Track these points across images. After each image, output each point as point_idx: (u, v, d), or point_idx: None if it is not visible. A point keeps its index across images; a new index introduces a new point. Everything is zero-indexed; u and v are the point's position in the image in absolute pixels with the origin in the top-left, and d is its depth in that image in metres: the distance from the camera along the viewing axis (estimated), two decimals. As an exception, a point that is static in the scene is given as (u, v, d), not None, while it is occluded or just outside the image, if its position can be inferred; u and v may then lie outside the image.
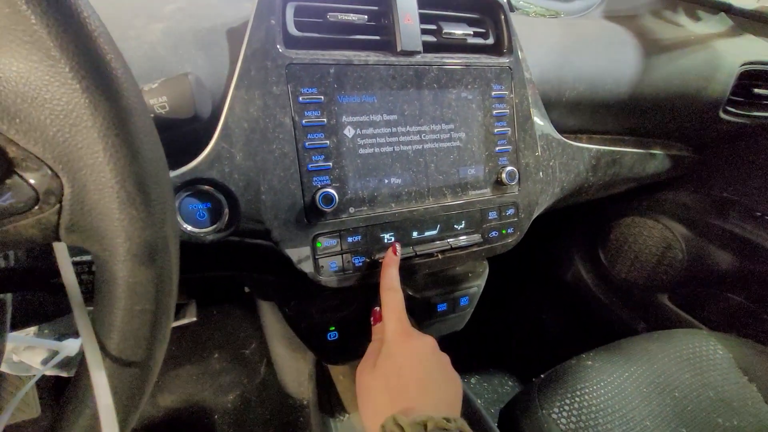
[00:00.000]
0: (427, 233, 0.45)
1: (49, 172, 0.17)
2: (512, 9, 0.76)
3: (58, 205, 0.17)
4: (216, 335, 0.89)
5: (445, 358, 0.37)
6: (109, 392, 0.18)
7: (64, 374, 0.43)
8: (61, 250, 0.20)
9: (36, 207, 0.17)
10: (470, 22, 0.48)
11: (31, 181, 0.17)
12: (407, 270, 0.44)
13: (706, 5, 0.77)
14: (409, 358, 0.35)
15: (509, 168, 0.48)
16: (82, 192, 0.17)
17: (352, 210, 0.41)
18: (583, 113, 0.61)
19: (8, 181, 0.17)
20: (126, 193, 0.17)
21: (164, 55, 0.36)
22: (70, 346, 0.31)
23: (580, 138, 0.63)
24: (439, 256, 0.45)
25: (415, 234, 0.44)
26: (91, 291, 0.22)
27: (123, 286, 0.18)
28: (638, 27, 0.71)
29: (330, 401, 0.62)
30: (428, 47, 0.44)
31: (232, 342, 0.88)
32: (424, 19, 0.44)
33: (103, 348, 0.19)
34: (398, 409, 0.31)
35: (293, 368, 0.74)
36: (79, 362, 0.21)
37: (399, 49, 0.42)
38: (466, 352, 1.03)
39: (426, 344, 0.36)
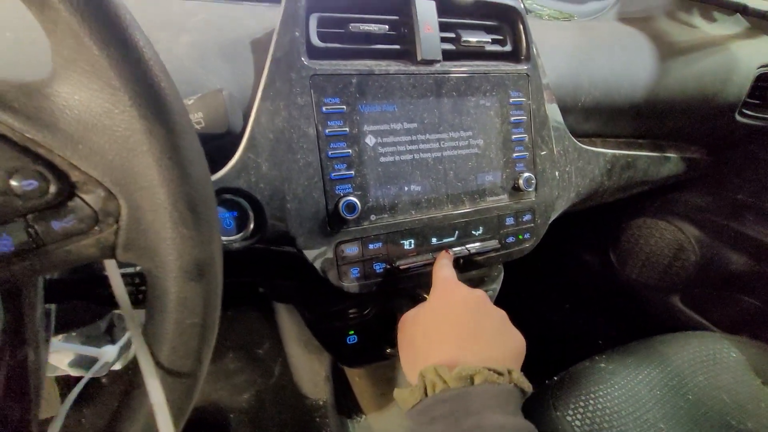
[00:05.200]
0: (445, 240, 0.46)
1: (108, 194, 0.18)
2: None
3: (115, 226, 0.18)
4: (230, 335, 0.91)
5: (501, 313, 0.34)
6: (165, 399, 0.19)
7: (95, 376, 0.44)
8: (111, 266, 0.21)
9: (96, 227, 0.18)
10: (488, 29, 0.48)
11: (91, 203, 0.18)
12: (425, 276, 0.45)
13: (722, 6, 0.76)
14: (455, 307, 0.32)
15: (526, 174, 0.48)
16: (137, 212, 0.18)
17: (373, 217, 0.42)
18: (598, 118, 0.61)
19: (70, 204, 0.18)
20: (178, 213, 0.18)
21: (192, 68, 0.37)
22: (109, 353, 0.32)
23: (594, 142, 0.63)
24: (460, 261, 0.45)
25: (434, 240, 0.45)
26: (134, 302, 0.23)
27: (174, 301, 0.19)
28: (653, 29, 0.71)
29: (346, 402, 0.63)
30: (447, 55, 0.45)
31: (247, 342, 0.89)
32: (442, 27, 0.44)
33: (154, 358, 0.20)
34: (441, 359, 0.28)
35: (309, 369, 0.75)
36: (117, 371, 0.22)
37: (419, 58, 0.43)
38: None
39: (477, 296, 0.34)
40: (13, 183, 0.17)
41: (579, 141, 0.57)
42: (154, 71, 0.18)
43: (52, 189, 0.17)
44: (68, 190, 0.18)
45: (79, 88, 0.17)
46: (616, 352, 0.64)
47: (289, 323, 0.79)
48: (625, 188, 0.68)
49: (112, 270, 0.20)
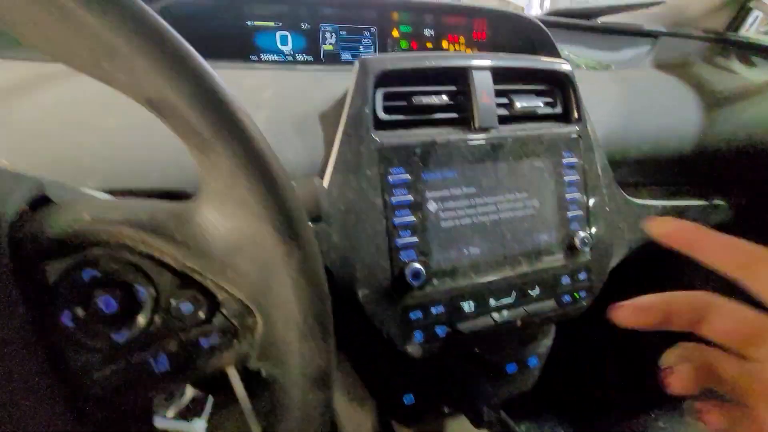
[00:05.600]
0: (503, 301, 0.46)
1: (247, 310, 0.19)
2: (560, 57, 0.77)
3: (251, 339, 0.20)
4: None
5: None
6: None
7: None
8: (233, 374, 0.22)
9: (235, 341, 0.20)
10: (539, 93, 0.50)
11: (233, 320, 0.19)
12: (479, 335, 0.45)
13: (759, 51, 0.76)
14: None
15: (581, 233, 0.48)
16: (272, 327, 0.20)
17: (435, 282, 0.43)
18: (646, 170, 0.61)
19: (215, 321, 0.19)
20: (308, 326, 0.19)
21: (272, 144, 0.40)
22: (199, 428, 0.33)
23: (640, 191, 0.63)
24: (519, 322, 0.45)
25: (492, 302, 0.45)
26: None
27: (299, 409, 0.20)
28: (693, 76, 0.72)
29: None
30: (501, 119, 0.46)
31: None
32: (496, 93, 0.46)
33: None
34: None
35: (354, 420, 0.74)
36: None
37: (476, 126, 0.45)
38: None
39: None
40: (173, 305, 0.18)
41: (626, 191, 0.57)
42: (291, 201, 0.19)
43: (203, 310, 0.19)
44: (213, 309, 0.19)
45: (228, 217, 0.19)
46: (672, 411, 0.61)
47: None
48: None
49: (234, 378, 0.22)
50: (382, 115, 0.42)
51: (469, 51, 0.71)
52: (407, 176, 0.42)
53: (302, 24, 0.59)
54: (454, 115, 0.45)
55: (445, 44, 0.69)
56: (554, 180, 0.49)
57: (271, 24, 0.58)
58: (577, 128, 0.50)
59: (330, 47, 0.63)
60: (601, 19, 0.89)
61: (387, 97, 0.43)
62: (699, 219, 0.68)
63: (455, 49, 0.70)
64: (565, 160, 0.49)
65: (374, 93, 0.41)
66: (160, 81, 0.16)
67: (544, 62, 0.49)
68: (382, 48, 0.64)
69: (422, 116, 0.44)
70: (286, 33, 0.59)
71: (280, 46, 0.60)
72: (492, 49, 0.69)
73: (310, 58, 0.62)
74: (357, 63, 0.42)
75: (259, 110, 0.42)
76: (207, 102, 0.17)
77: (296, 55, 0.61)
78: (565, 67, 0.50)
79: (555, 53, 0.76)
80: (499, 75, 0.46)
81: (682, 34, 0.81)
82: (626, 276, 0.58)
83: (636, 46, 0.85)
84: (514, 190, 0.47)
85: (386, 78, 0.42)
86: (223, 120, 0.17)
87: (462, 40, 0.71)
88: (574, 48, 0.83)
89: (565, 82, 0.50)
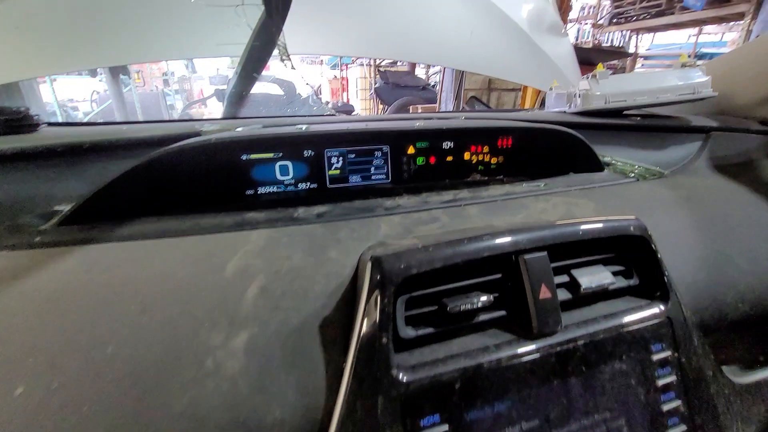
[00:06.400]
0: None
1: None
2: (602, 167, 0.67)
3: None
4: None
5: None
6: None
7: None
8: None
9: None
10: (606, 261, 0.38)
11: None
12: None
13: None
14: None
15: (688, 459, 0.34)
16: None
17: None
18: (748, 337, 0.47)
19: None
20: None
21: (247, 395, 0.28)
22: None
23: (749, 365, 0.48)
24: None
25: None
26: None
27: None
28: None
29: None
30: (563, 305, 0.34)
31: None
32: (554, 271, 0.35)
33: None
34: None
35: None
36: None
37: (535, 332, 0.32)
38: None
39: None
40: None
41: (730, 369, 0.43)
42: None
43: None
44: None
45: None
46: None
47: None
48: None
49: None
50: (406, 333, 0.30)
51: (494, 161, 0.61)
52: (445, 426, 0.29)
53: (305, 152, 0.51)
54: (501, 313, 0.34)
55: (467, 155, 0.60)
56: (644, 387, 0.35)
57: (270, 155, 0.50)
58: (663, 307, 0.37)
59: (336, 171, 0.54)
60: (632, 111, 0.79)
61: (410, 303, 0.31)
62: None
63: (478, 159, 0.61)
64: (654, 356, 0.36)
65: (394, 308, 0.30)
66: None
67: (611, 224, 0.37)
68: (396, 167, 0.55)
69: (459, 324, 0.32)
70: (287, 163, 0.50)
71: (279, 177, 0.51)
72: (519, 155, 0.59)
73: (313, 186, 0.53)
74: (367, 262, 0.31)
75: (237, 331, 0.30)
76: None
77: (298, 184, 0.52)
78: (638, 226, 0.38)
79: (595, 161, 0.66)
80: (558, 252, 0.35)
81: (739, 129, 0.71)
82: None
83: (683, 143, 0.74)
84: (593, 411, 0.33)
85: (409, 283, 0.31)
86: None
87: (486, 149, 0.62)
88: (610, 148, 0.72)
89: (641, 248, 0.38)
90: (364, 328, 0.29)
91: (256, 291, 0.33)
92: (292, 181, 0.52)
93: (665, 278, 0.38)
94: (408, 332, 0.30)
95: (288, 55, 0.65)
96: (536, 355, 0.32)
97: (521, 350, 0.32)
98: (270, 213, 0.46)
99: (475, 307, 0.31)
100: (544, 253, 0.34)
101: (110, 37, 0.93)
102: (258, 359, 0.29)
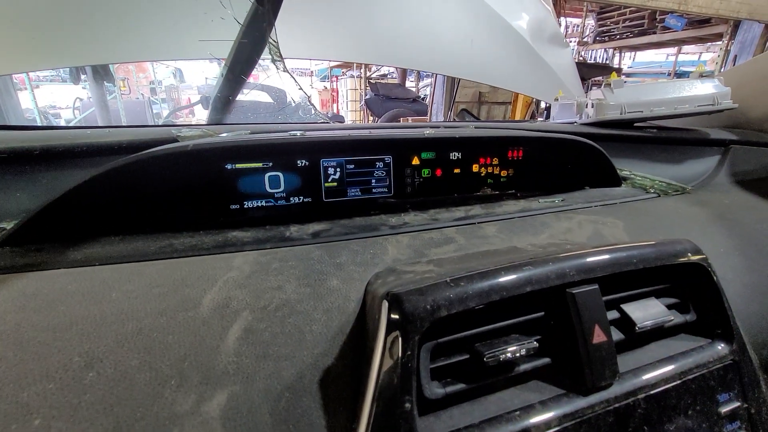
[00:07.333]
0: None
1: None
2: (620, 182, 0.62)
3: None
4: None
5: None
6: None
7: None
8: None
9: None
10: (659, 293, 0.32)
11: None
12: None
13: None
14: None
15: None
16: None
17: None
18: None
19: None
20: None
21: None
22: None
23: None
24: None
25: None
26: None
27: None
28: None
29: None
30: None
31: None
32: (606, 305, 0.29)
33: None
34: None
35: None
36: None
37: (589, 384, 0.26)
38: None
39: None
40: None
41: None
42: None
43: None
44: None
45: None
46: None
47: None
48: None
49: None
50: (433, 392, 0.24)
51: (504, 173, 0.56)
52: None
53: (298, 162, 0.44)
54: (545, 360, 0.27)
55: (476, 167, 0.55)
56: (712, 447, 0.29)
57: (258, 165, 0.43)
58: (727, 347, 0.31)
59: (333, 184, 0.47)
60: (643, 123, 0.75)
61: (436, 352, 0.25)
62: None
63: (488, 172, 0.55)
64: (721, 409, 0.30)
65: (418, 361, 0.23)
66: None
67: (666, 249, 0.31)
68: (399, 179, 0.49)
69: (495, 377, 0.26)
70: (278, 173, 0.44)
71: (269, 189, 0.44)
72: (532, 167, 0.54)
73: (307, 200, 0.46)
74: (381, 299, 0.24)
75: (215, 387, 0.23)
76: None
77: (290, 197, 0.45)
78: (695, 250, 0.32)
79: (613, 175, 0.61)
80: (609, 284, 0.29)
81: (762, 143, 0.67)
82: None
83: (700, 156, 0.70)
84: (657, 482, 0.27)
85: (437, 328, 0.24)
86: None
87: (495, 161, 0.56)
88: (626, 161, 0.68)
89: (699, 279, 0.32)
90: (381, 388, 0.22)
91: (239, 333, 0.26)
92: (284, 194, 0.45)
93: (728, 313, 0.32)
94: (435, 390, 0.24)
95: (281, 56, 0.59)
96: (590, 414, 0.26)
97: (572, 408, 0.25)
98: (257, 232, 0.39)
99: (517, 355, 0.25)
100: (596, 286, 0.28)
101: (89, 34, 0.86)
102: (240, 430, 0.22)
